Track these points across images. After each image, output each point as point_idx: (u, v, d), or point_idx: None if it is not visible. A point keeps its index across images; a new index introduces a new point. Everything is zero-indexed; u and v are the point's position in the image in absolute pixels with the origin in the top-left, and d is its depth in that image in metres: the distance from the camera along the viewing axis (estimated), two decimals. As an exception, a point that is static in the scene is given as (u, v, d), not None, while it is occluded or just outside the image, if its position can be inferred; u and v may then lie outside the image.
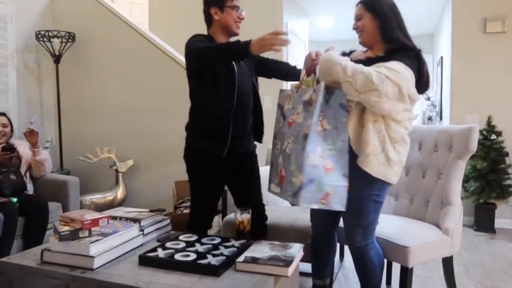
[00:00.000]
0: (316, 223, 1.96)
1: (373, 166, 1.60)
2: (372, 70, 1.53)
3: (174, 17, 4.81)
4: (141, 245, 1.67)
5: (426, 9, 5.19)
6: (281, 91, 1.83)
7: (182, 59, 3.52)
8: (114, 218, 1.77)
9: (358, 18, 1.75)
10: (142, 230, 1.72)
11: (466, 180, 3.72)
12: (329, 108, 1.57)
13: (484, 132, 3.75)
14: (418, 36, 6.57)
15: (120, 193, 3.44)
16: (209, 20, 1.98)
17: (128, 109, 3.70)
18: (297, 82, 1.80)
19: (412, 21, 5.79)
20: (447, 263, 2.08)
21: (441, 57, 5.05)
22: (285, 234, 2.22)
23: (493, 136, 3.73)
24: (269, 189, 1.82)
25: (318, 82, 1.65)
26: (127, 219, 1.77)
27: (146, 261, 1.45)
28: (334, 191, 1.54)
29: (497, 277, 2.64)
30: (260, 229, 2.06)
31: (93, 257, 1.41)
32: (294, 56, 4.22)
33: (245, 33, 4.48)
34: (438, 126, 2.26)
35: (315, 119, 1.53)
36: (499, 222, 3.77)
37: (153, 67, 3.60)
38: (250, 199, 2.05)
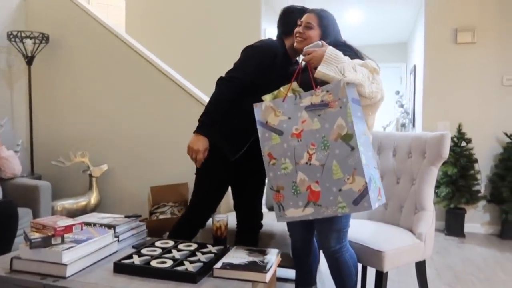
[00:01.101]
0: (293, 231, 1.97)
1: None
2: (364, 68, 1.61)
3: (151, 20, 4.77)
4: (116, 251, 1.64)
5: (399, 19, 5.34)
6: (256, 105, 1.66)
7: (159, 62, 3.49)
8: (88, 224, 1.73)
9: (308, 27, 1.78)
10: (117, 236, 1.68)
11: (437, 185, 3.83)
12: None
13: (455, 139, 3.87)
14: (392, 45, 6.76)
15: (93, 198, 3.36)
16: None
17: (103, 112, 3.63)
18: (274, 93, 1.68)
19: (386, 30, 5.96)
20: (420, 267, 2.13)
21: (414, 66, 5.19)
22: (263, 240, 2.22)
23: (463, 143, 3.85)
24: (283, 217, 1.60)
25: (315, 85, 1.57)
26: (101, 225, 1.74)
27: (121, 268, 1.43)
28: (380, 184, 1.56)
29: (467, 280, 2.71)
30: (254, 237, 2.07)
31: (66, 265, 1.37)
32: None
33: (223, 39, 4.51)
34: (412, 133, 2.32)
35: (351, 118, 1.46)
36: (468, 227, 3.90)
37: (130, 70, 3.55)
38: (252, 204, 2.05)
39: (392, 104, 6.12)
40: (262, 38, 3.88)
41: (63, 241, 1.47)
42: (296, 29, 1.82)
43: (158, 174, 3.41)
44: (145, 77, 3.49)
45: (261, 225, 2.13)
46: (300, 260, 2.00)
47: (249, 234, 2.05)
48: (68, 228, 1.51)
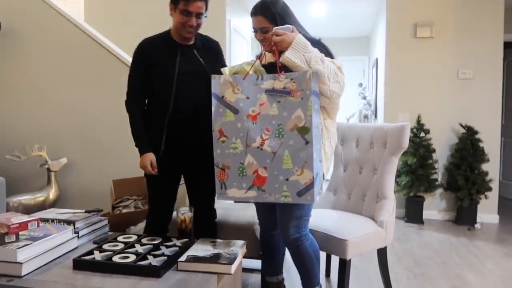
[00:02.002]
0: (264, 219, 1.97)
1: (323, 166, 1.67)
2: (331, 64, 1.59)
3: (111, 8, 4.60)
4: (76, 248, 1.58)
5: (362, 13, 5.44)
6: (214, 77, 1.61)
7: (120, 52, 3.38)
8: (45, 220, 1.66)
9: (264, 31, 1.72)
10: (76, 232, 1.63)
11: (398, 175, 3.96)
12: None
13: (414, 130, 4.01)
14: (355, 38, 6.89)
15: (52, 193, 3.23)
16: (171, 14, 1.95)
17: (61, 104, 3.48)
18: (235, 67, 1.64)
19: (350, 24, 6.05)
20: (382, 253, 2.20)
21: (376, 59, 5.32)
22: (229, 231, 2.21)
23: (422, 134, 4.00)
24: (223, 195, 1.59)
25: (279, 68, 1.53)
26: (59, 221, 1.67)
27: (81, 265, 1.38)
28: (321, 178, 1.56)
29: (425, 264, 2.84)
30: (210, 228, 2.06)
31: (21, 263, 1.31)
32: (236, 53, 4.22)
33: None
34: (374, 124, 2.38)
35: (311, 112, 1.45)
36: (426, 214, 4.07)
37: (88, 59, 3.41)
38: (202, 203, 2.04)
39: (355, 96, 6.25)
40: (227, 29, 3.85)
41: (18, 239, 1.40)
42: (256, 37, 1.79)
43: (121, 166, 3.32)
44: (105, 67, 3.38)
45: (214, 219, 2.13)
46: (268, 249, 2.00)
47: (204, 230, 2.04)
48: (23, 225, 1.44)
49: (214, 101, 1.60)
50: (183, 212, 1.73)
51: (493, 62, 4.00)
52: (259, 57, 1.67)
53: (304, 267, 1.82)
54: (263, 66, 1.71)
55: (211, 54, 2.01)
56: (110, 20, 4.53)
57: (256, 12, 1.73)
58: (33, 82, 3.55)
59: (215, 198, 1.65)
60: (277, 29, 1.60)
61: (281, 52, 1.56)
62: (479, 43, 4.01)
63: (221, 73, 1.65)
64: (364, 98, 5.79)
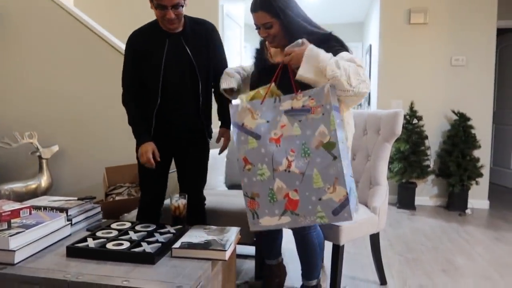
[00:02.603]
0: None
1: None
2: (351, 63, 1.49)
3: (102, -7, 4.51)
4: (69, 235, 1.58)
5: (356, -2, 5.40)
6: (231, 106, 1.58)
7: (110, 37, 3.32)
8: (37, 208, 1.65)
9: (268, 27, 1.63)
10: (69, 219, 1.62)
11: (390, 161, 3.99)
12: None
13: (407, 116, 4.03)
14: (349, 24, 6.84)
15: (44, 181, 3.20)
16: None
17: (52, 90, 3.43)
18: (251, 93, 1.57)
19: (343, 9, 6.00)
20: (374, 239, 2.22)
21: (370, 45, 5.30)
22: (223, 218, 2.22)
23: (415, 121, 4.02)
24: (257, 225, 1.52)
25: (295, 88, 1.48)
26: (52, 208, 1.66)
27: (74, 252, 1.37)
28: (355, 193, 1.50)
29: (417, 249, 2.88)
30: (199, 215, 2.06)
31: (14, 251, 1.30)
32: (230, 38, 4.18)
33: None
34: (367, 111, 2.38)
35: (334, 127, 1.39)
36: (418, 200, 4.11)
37: (79, 45, 3.36)
38: (190, 182, 2.04)
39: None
40: (219, 13, 3.80)
41: (10, 227, 1.39)
42: (259, 34, 1.73)
43: (114, 153, 3.30)
44: (95, 52, 3.33)
45: (203, 206, 2.13)
46: (268, 232, 2.00)
47: (194, 216, 2.04)
48: (15, 213, 1.43)
49: (234, 130, 1.56)
50: (177, 199, 1.73)
51: (486, 49, 4.01)
52: (276, 75, 1.57)
53: (306, 257, 1.82)
54: (273, 65, 1.66)
55: (199, 41, 1.94)
56: (101, 5, 4.45)
57: (256, 8, 1.63)
58: (23, 68, 3.48)
59: (250, 229, 1.56)
60: (288, 48, 1.52)
61: (297, 69, 1.50)
62: (472, 30, 4.01)
63: (204, 64, 1.79)
64: (358, 85, 5.78)
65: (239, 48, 4.63)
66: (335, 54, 1.54)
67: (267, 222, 1.50)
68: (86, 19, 3.37)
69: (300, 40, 1.53)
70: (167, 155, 2.00)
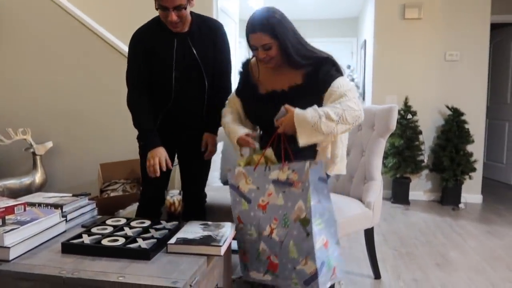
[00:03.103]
0: None
1: (339, 168, 1.74)
2: (344, 99, 1.55)
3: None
4: (64, 232, 1.57)
5: (351, -7, 5.40)
6: (229, 169, 1.67)
7: (103, 31, 3.30)
8: (32, 204, 1.64)
9: (267, 48, 1.61)
10: (64, 216, 1.61)
11: (385, 156, 4.01)
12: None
13: (402, 112, 4.05)
14: (344, 19, 6.84)
15: (38, 177, 3.18)
16: None
17: (45, 85, 3.40)
18: (247, 159, 1.65)
19: (338, 4, 6.00)
20: (368, 233, 2.24)
21: (365, 41, 5.30)
22: (219, 213, 2.22)
23: (409, 116, 4.04)
24: (247, 277, 1.65)
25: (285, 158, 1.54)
26: (47, 205, 1.65)
27: (69, 248, 1.37)
28: (337, 262, 1.55)
29: (411, 244, 2.90)
30: (199, 211, 2.06)
31: (9, 247, 1.29)
32: (225, 34, 4.16)
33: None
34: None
35: (312, 203, 1.45)
36: (412, 195, 4.14)
37: (72, 39, 3.33)
38: (192, 178, 2.04)
39: (343, 78, 6.25)
40: (214, 8, 3.78)
41: (4, 223, 1.38)
42: (257, 55, 1.69)
43: (108, 150, 3.29)
44: (89, 47, 3.30)
45: (204, 203, 2.13)
46: None
47: (194, 213, 2.04)
48: (9, 209, 1.42)
49: (231, 191, 1.68)
50: (172, 195, 1.73)
51: (480, 44, 4.03)
52: (270, 143, 1.61)
53: None
54: (262, 95, 1.72)
55: (206, 42, 1.89)
56: (95, 0, 4.41)
57: (254, 29, 1.60)
58: (17, 63, 3.45)
59: (242, 276, 1.66)
60: (276, 121, 1.57)
61: (290, 137, 1.54)
62: (466, 25, 4.02)
63: (210, 65, 1.81)
64: (352, 80, 5.80)
65: (234, 44, 4.61)
66: (330, 79, 1.59)
67: (255, 275, 1.63)
68: (80, 15, 3.34)
69: (283, 108, 1.56)
70: (170, 151, 1.98)
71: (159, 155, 1.78)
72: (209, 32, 1.90)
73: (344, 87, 1.58)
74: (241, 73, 1.83)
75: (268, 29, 1.58)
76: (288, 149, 1.54)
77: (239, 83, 1.84)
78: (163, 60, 1.84)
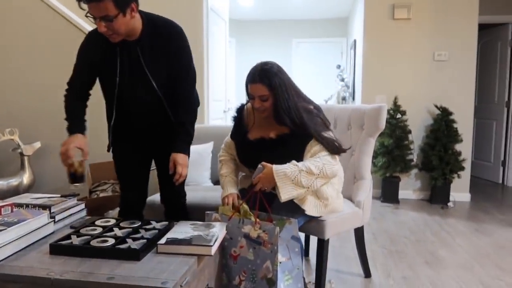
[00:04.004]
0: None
1: (333, 207, 1.85)
2: (322, 155, 1.69)
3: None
4: (52, 233, 1.56)
5: (341, -6, 5.42)
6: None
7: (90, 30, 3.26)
8: (19, 205, 1.62)
9: (264, 99, 1.70)
10: (52, 217, 1.60)
11: (374, 156, 4.04)
12: (280, 241, 1.56)
13: (391, 111, 4.08)
14: (334, 19, 6.88)
15: (26, 178, 3.15)
16: None
17: (32, 85, 3.36)
18: (225, 208, 1.71)
19: (328, 5, 6.03)
20: (359, 232, 2.25)
21: (354, 41, 5.33)
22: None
23: (399, 115, 4.07)
24: None
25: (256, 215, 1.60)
26: (35, 206, 1.63)
27: (58, 249, 1.36)
28: None
29: (400, 242, 2.93)
30: (179, 211, 2.04)
31: (-5, 249, 1.28)
32: (214, 33, 4.15)
33: (165, 9, 4.25)
34: (351, 106, 2.40)
35: (277, 267, 1.50)
36: (402, 193, 4.18)
37: (60, 38, 3.29)
38: (167, 178, 1.93)
39: (333, 78, 6.28)
40: (204, 7, 3.77)
41: (-9, 225, 1.36)
42: (253, 104, 1.74)
43: (97, 150, 3.25)
44: (78, 46, 3.26)
45: (183, 203, 2.09)
46: None
47: (174, 212, 2.03)
48: (-4, 211, 1.40)
49: None
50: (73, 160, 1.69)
51: (468, 44, 4.07)
52: (246, 200, 1.69)
53: None
54: (251, 142, 1.80)
55: (158, 51, 1.75)
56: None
57: (255, 80, 1.69)
58: (3, 63, 3.41)
59: None
60: (253, 178, 1.65)
61: (269, 194, 1.64)
62: (454, 25, 4.07)
63: (163, 74, 1.74)
64: (342, 80, 5.82)
65: (224, 43, 4.61)
66: (316, 127, 1.71)
67: None
68: (68, 13, 3.31)
69: (260, 166, 1.64)
70: (145, 153, 1.98)
71: (67, 143, 1.70)
72: (161, 40, 1.74)
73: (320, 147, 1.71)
74: (235, 118, 1.92)
75: (269, 82, 1.67)
76: (266, 204, 1.62)
77: (233, 127, 1.93)
78: (106, 69, 1.76)
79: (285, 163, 1.66)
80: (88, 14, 1.58)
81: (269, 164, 1.63)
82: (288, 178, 1.61)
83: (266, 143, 1.78)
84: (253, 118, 1.86)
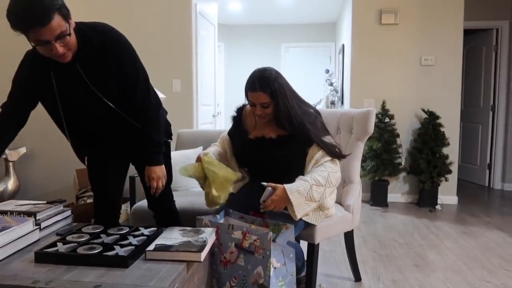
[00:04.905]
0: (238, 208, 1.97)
1: (328, 213, 1.86)
2: (324, 162, 1.70)
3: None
4: (38, 240, 1.52)
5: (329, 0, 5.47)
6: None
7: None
8: (3, 212, 1.58)
9: (265, 106, 1.71)
10: (38, 224, 1.56)
11: (363, 159, 4.06)
12: (276, 246, 1.56)
13: (379, 115, 4.11)
14: (322, 24, 6.93)
15: (11, 184, 3.09)
16: None
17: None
18: (187, 166, 1.67)
19: (316, 10, 6.07)
20: (348, 236, 2.25)
21: (343, 45, 5.37)
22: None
23: (387, 119, 4.10)
24: None
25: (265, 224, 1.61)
26: (19, 213, 1.60)
27: (43, 257, 1.33)
28: None
29: (389, 245, 2.94)
30: (170, 219, 1.99)
31: (-22, 258, 1.24)
32: (203, 38, 4.14)
33: (154, 14, 4.24)
34: (340, 110, 2.40)
35: (270, 273, 1.48)
36: (391, 197, 4.21)
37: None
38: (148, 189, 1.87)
39: (322, 83, 6.32)
40: (193, 12, 3.76)
41: (-27, 233, 1.32)
42: (254, 111, 1.73)
43: (85, 156, 3.22)
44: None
45: (173, 211, 2.04)
46: None
47: (165, 222, 1.96)
48: (-21, 218, 1.36)
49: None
50: None
51: (454, 49, 4.14)
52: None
53: None
54: (251, 140, 1.80)
55: (95, 63, 1.59)
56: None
57: (255, 88, 1.68)
58: (-13, 67, 3.35)
59: None
60: (263, 202, 1.62)
61: (274, 214, 1.64)
62: (441, 30, 4.13)
63: (114, 79, 1.62)
64: (331, 84, 5.86)
65: (213, 48, 4.60)
66: (317, 131, 1.73)
67: None
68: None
69: (269, 188, 1.61)
70: (120, 159, 1.90)
71: None
72: (96, 52, 1.58)
73: (323, 154, 1.72)
74: (234, 118, 1.92)
75: (269, 89, 1.67)
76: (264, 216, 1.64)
77: (232, 126, 1.93)
78: (45, 95, 1.66)
79: (284, 164, 1.67)
80: (38, 43, 1.41)
81: (279, 185, 1.61)
82: (301, 196, 1.61)
83: (266, 142, 1.78)
84: (254, 120, 1.86)
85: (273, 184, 1.62)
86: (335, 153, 1.73)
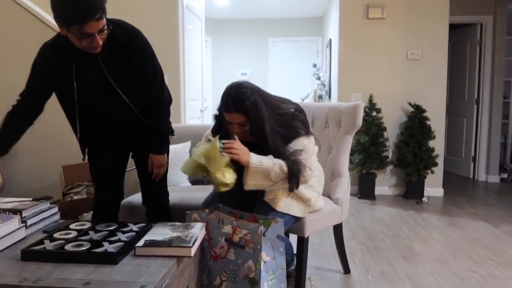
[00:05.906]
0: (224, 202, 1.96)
1: (316, 206, 1.90)
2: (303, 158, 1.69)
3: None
4: (24, 238, 1.50)
5: (316, -7, 5.47)
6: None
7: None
8: (-12, 210, 1.55)
9: (242, 125, 1.68)
10: (24, 221, 1.53)
11: (351, 153, 4.08)
12: (266, 240, 1.55)
13: (366, 109, 4.14)
14: (309, 19, 6.92)
15: (-5, 182, 3.03)
16: None
17: (3, 86, 3.24)
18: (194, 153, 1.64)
19: (303, 4, 6.06)
20: (337, 229, 2.27)
21: (330, 40, 5.38)
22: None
23: (374, 113, 4.14)
24: None
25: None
26: (4, 210, 1.56)
27: (30, 255, 1.30)
28: None
29: (377, 237, 2.97)
30: (161, 212, 2.01)
31: (-38, 257, 1.21)
32: (190, 32, 4.10)
33: (140, 9, 4.18)
34: (329, 104, 2.41)
35: (261, 266, 1.48)
36: (378, 190, 4.25)
37: (29, 37, 3.18)
38: (147, 178, 1.95)
39: (310, 77, 6.33)
40: (179, 6, 3.72)
41: (-43, 231, 1.29)
42: (231, 129, 1.71)
43: (70, 151, 3.16)
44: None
45: (166, 204, 2.07)
46: None
47: (156, 214, 2.01)
48: (-37, 216, 1.33)
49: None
50: None
51: (439, 43, 4.18)
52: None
53: None
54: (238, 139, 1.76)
55: (118, 60, 1.68)
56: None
57: (229, 109, 1.65)
58: (-33, 62, 3.27)
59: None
60: (225, 144, 1.60)
61: (250, 198, 1.70)
62: (426, 25, 4.17)
63: (129, 80, 1.68)
64: (319, 78, 5.87)
65: (200, 42, 4.56)
66: (295, 135, 1.69)
67: None
68: (37, 10, 3.20)
69: (236, 138, 1.64)
70: (122, 153, 1.95)
71: None
72: (121, 50, 1.68)
73: (300, 147, 1.69)
74: (216, 116, 1.88)
75: (243, 109, 1.63)
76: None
77: (215, 125, 1.90)
78: (63, 87, 1.71)
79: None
80: (83, 35, 1.48)
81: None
82: (262, 166, 1.62)
83: (248, 144, 1.74)
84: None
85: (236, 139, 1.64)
86: (293, 183, 1.69)
